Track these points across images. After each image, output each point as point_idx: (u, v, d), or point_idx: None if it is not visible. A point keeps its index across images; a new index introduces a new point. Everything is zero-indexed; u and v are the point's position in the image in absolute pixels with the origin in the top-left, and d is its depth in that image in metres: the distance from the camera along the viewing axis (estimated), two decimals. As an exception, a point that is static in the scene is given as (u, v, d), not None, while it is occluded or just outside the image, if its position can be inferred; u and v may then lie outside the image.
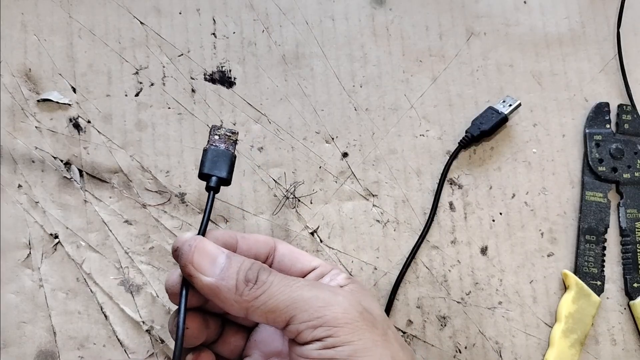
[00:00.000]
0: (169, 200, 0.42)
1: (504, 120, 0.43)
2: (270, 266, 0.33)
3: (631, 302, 0.42)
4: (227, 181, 0.33)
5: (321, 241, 0.42)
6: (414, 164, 0.44)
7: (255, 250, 0.33)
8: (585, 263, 0.42)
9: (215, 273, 0.29)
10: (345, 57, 0.45)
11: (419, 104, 0.45)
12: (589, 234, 0.43)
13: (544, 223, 0.43)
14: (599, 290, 0.42)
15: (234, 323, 0.34)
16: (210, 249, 0.29)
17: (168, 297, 0.31)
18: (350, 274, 0.42)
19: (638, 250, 0.43)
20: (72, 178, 0.42)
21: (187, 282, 0.30)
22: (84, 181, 0.42)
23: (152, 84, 0.44)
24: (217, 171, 0.33)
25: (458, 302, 0.42)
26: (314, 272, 0.33)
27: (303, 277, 0.33)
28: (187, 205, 0.42)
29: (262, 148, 0.43)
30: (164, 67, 0.44)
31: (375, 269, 0.42)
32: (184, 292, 0.29)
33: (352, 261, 0.42)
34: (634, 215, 0.43)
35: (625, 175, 0.44)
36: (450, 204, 0.43)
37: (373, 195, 0.43)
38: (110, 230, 0.42)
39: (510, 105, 0.44)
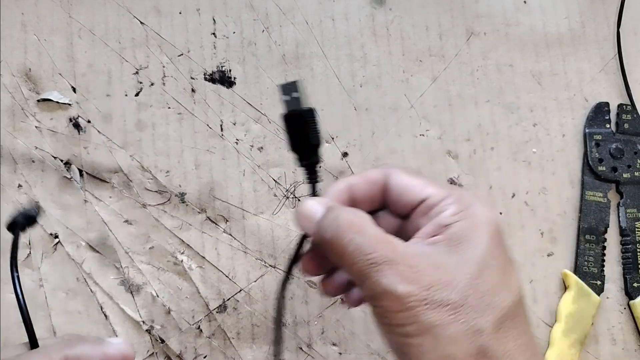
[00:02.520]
0: (169, 200, 0.42)
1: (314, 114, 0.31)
2: (387, 206, 0.31)
3: (631, 302, 0.42)
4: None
5: (321, 241, 0.42)
6: (414, 164, 0.44)
7: (369, 194, 0.30)
8: (585, 263, 0.42)
9: (313, 231, 0.29)
10: (345, 57, 0.45)
11: (419, 104, 0.45)
12: (589, 233, 0.43)
13: (544, 223, 0.43)
14: (599, 290, 0.42)
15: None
16: (307, 208, 0.29)
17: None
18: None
19: (638, 250, 0.43)
20: (72, 178, 0.42)
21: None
22: (84, 181, 0.42)
23: (152, 84, 0.44)
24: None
25: (458, 302, 0.42)
26: (423, 205, 0.29)
27: (412, 211, 0.30)
28: (187, 205, 0.42)
29: (262, 148, 0.43)
30: (164, 67, 0.44)
31: (375, 268, 0.42)
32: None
33: (352, 261, 0.42)
34: (634, 215, 0.43)
35: (625, 175, 0.44)
36: (450, 203, 0.43)
37: (373, 195, 0.43)
38: (110, 230, 0.42)
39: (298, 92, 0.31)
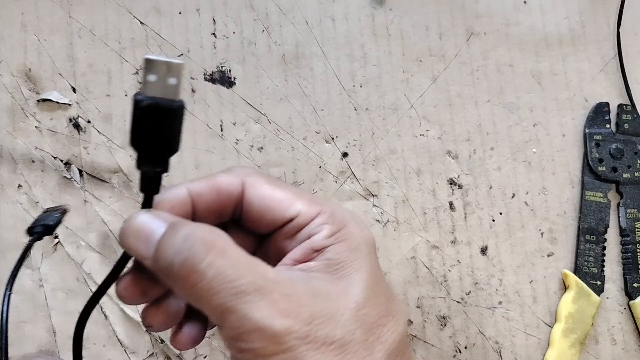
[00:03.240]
0: (169, 200, 0.42)
1: (182, 112, 0.24)
2: (239, 220, 0.26)
3: (631, 302, 0.42)
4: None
5: (321, 241, 0.42)
6: (414, 164, 0.44)
7: (217, 208, 0.25)
8: (585, 263, 0.42)
9: (150, 254, 0.23)
10: (345, 57, 0.45)
11: (419, 104, 0.45)
12: (589, 233, 0.43)
13: (543, 223, 0.43)
14: (598, 290, 0.42)
15: None
16: (142, 224, 0.23)
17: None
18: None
19: (638, 250, 0.43)
20: (72, 178, 0.42)
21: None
22: (83, 181, 0.42)
23: (152, 84, 0.44)
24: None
25: (458, 302, 0.42)
26: (290, 225, 0.25)
27: (275, 231, 0.25)
28: (187, 205, 0.42)
29: (262, 148, 0.43)
30: (164, 67, 0.44)
31: (375, 268, 0.42)
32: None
33: (352, 261, 0.42)
34: (634, 215, 0.43)
35: (625, 175, 0.44)
36: (450, 203, 0.43)
37: (373, 195, 0.43)
38: (110, 230, 0.42)
39: (170, 77, 0.23)
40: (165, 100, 0.23)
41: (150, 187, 0.24)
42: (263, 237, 0.26)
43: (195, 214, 0.25)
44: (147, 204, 0.24)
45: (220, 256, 0.21)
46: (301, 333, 0.21)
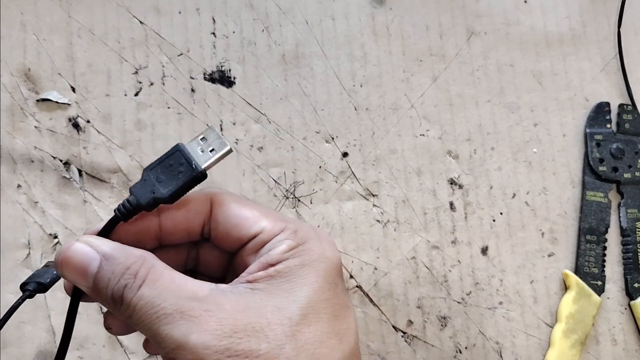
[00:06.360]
0: (168, 200, 0.42)
1: (198, 178, 0.27)
2: (209, 236, 0.27)
3: (632, 302, 0.42)
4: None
5: (321, 241, 0.42)
6: (414, 164, 0.44)
7: (185, 225, 0.26)
8: (586, 263, 0.42)
9: (90, 284, 0.24)
10: (345, 57, 0.45)
11: (419, 104, 0.45)
12: (590, 233, 0.43)
13: (544, 223, 0.43)
14: (599, 290, 0.42)
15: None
16: (77, 257, 0.24)
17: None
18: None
19: (639, 250, 0.43)
20: (71, 178, 0.42)
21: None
22: (83, 181, 0.42)
23: (151, 84, 0.44)
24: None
25: (458, 303, 0.42)
26: (254, 241, 0.25)
27: (241, 247, 0.26)
28: (186, 205, 0.42)
29: (262, 148, 0.43)
30: (163, 66, 0.44)
31: (376, 269, 0.42)
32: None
33: (352, 261, 0.42)
34: (635, 215, 0.43)
35: (625, 175, 0.44)
36: (451, 203, 0.43)
37: (373, 195, 0.43)
38: (110, 230, 0.42)
39: (213, 151, 0.27)
40: (204, 172, 0.26)
41: (125, 216, 0.26)
42: (233, 254, 0.27)
43: (162, 231, 0.26)
44: (108, 229, 0.26)
45: (150, 286, 0.23)
46: (219, 347, 0.21)
